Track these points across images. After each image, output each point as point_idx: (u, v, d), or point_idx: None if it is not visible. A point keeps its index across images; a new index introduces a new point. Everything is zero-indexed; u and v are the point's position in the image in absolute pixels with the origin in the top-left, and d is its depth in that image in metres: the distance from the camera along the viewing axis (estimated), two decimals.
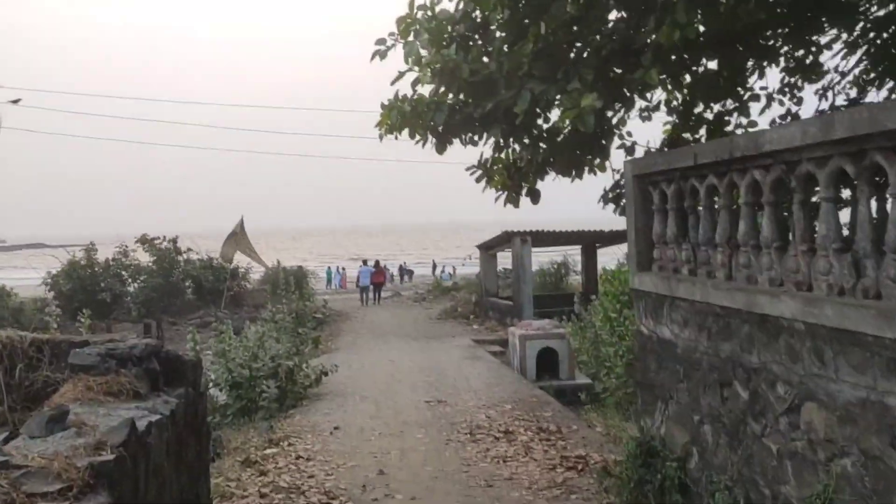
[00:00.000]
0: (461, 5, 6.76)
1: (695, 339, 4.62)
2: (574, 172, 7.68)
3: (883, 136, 2.99)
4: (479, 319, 22.41)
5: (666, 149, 7.61)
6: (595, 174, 7.93)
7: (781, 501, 3.76)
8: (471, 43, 6.85)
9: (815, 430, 3.47)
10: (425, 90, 7.03)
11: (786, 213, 4.27)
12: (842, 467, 3.29)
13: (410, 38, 6.85)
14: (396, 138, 7.43)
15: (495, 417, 9.23)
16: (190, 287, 27.40)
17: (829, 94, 7.85)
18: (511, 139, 7.42)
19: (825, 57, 7.91)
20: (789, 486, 3.68)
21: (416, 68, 6.82)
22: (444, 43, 6.65)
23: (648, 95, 7.27)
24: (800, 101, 8.31)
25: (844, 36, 7.67)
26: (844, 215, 3.94)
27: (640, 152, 7.70)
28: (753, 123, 8.05)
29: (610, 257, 22.69)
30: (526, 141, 7.42)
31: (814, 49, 7.90)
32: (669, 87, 7.66)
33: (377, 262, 32.47)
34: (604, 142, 7.40)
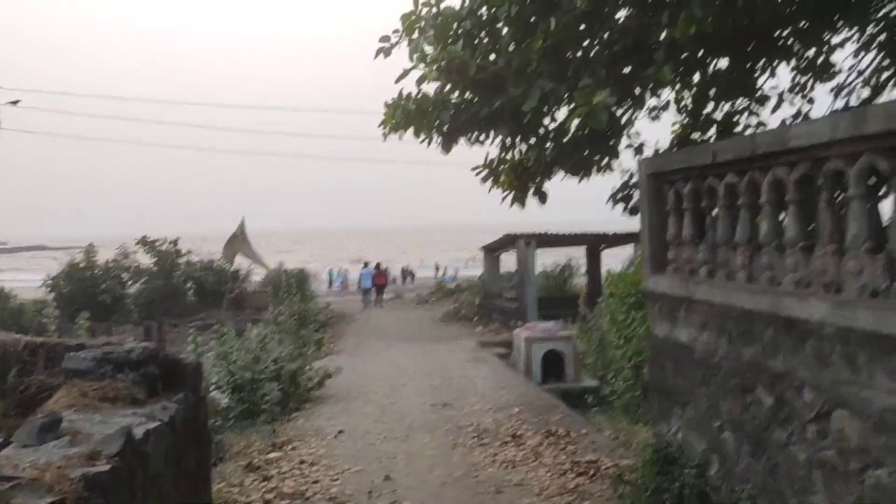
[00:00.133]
0: (467, 2, 6.61)
1: (714, 342, 4.46)
2: (582, 173, 7.54)
3: None
4: (483, 322, 22.25)
5: (676, 149, 7.46)
6: (603, 174, 7.79)
7: None
8: (475, 41, 6.71)
9: (847, 439, 3.31)
10: (430, 88, 6.89)
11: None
12: (876, 478, 3.13)
13: (415, 35, 6.71)
14: (401, 138, 7.28)
15: (502, 421, 9.07)
16: (191, 289, 27.24)
17: (844, 92, 7.67)
18: (518, 138, 7.27)
19: (838, 56, 7.76)
20: (818, 497, 3.51)
21: (422, 66, 6.67)
22: (450, 40, 6.50)
23: (659, 94, 7.10)
24: (811, 101, 8.15)
25: (856, 35, 7.52)
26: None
27: (648, 153, 7.55)
28: (763, 124, 7.91)
29: (613, 259, 22.54)
30: (532, 140, 7.27)
31: (826, 49, 7.75)
32: (678, 86, 7.52)
33: (378, 264, 32.34)
34: (612, 141, 7.26)
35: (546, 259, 25.08)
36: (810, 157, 3.54)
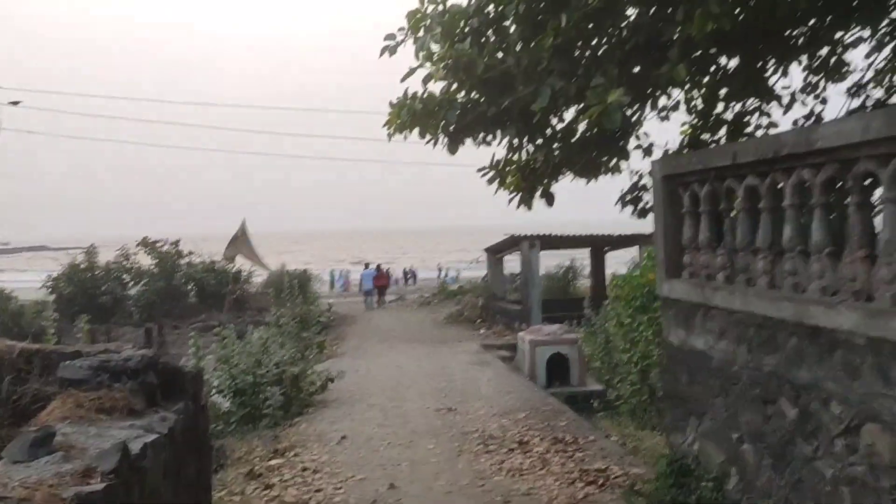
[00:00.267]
0: (473, 0, 6.46)
1: (733, 351, 4.30)
2: (590, 174, 7.39)
3: None
4: (487, 324, 22.08)
5: (686, 150, 7.31)
6: (612, 176, 7.65)
7: None
8: (482, 39, 6.56)
9: (879, 455, 3.15)
10: (436, 88, 6.74)
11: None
12: None
13: (421, 33, 6.56)
14: (406, 138, 7.13)
15: (508, 427, 8.91)
16: (192, 291, 27.11)
17: (858, 91, 7.50)
18: (525, 139, 7.12)
19: (850, 56, 7.60)
20: None
21: (428, 64, 6.52)
22: (457, 38, 6.35)
23: (670, 93, 6.95)
24: (824, 101, 8.00)
25: (868, 34, 7.36)
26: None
27: (656, 154, 7.41)
28: (774, 124, 7.75)
29: (614, 260, 22.38)
30: (539, 141, 7.12)
31: (839, 49, 7.59)
32: (688, 85, 7.37)
33: (378, 266, 32.20)
34: (622, 142, 7.11)
35: (548, 261, 24.93)
36: (838, 159, 3.38)
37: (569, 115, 6.89)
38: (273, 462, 7.49)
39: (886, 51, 7.49)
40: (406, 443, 8.25)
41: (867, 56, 7.65)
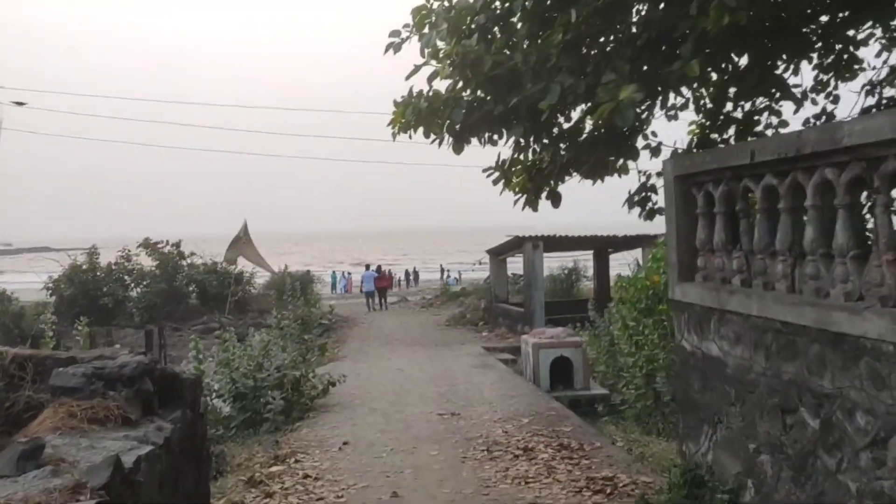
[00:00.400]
0: None
1: (749, 357, 4.15)
2: (597, 175, 7.24)
3: None
4: (489, 326, 21.94)
5: (695, 150, 7.17)
6: (620, 176, 7.50)
7: None
8: (489, 36, 6.42)
9: None
10: (442, 86, 6.61)
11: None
12: None
13: (426, 30, 6.43)
14: (410, 137, 6.99)
15: (513, 432, 8.75)
16: (194, 292, 26.99)
17: (875, 90, 7.34)
18: (532, 138, 6.98)
19: (863, 53, 7.44)
20: None
21: (433, 62, 6.38)
22: (464, 34, 6.21)
23: (682, 91, 6.80)
24: (836, 100, 7.85)
25: (880, 32, 7.21)
26: None
27: (665, 154, 7.26)
28: (785, 123, 7.60)
29: (616, 262, 22.22)
30: (546, 141, 6.98)
31: (851, 46, 7.44)
32: (696, 84, 7.22)
33: (379, 267, 32.08)
34: (630, 141, 6.96)
35: (550, 263, 24.78)
36: (865, 157, 3.23)
37: (576, 114, 6.76)
38: (274, 469, 7.34)
39: None
40: (409, 449, 8.10)
41: (877, 55, 7.51)
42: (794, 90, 7.47)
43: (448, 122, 6.53)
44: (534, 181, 7.47)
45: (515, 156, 7.35)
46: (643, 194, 7.63)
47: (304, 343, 15.00)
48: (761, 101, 7.51)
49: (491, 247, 24.60)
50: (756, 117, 7.49)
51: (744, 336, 4.19)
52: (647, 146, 7.33)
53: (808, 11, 6.43)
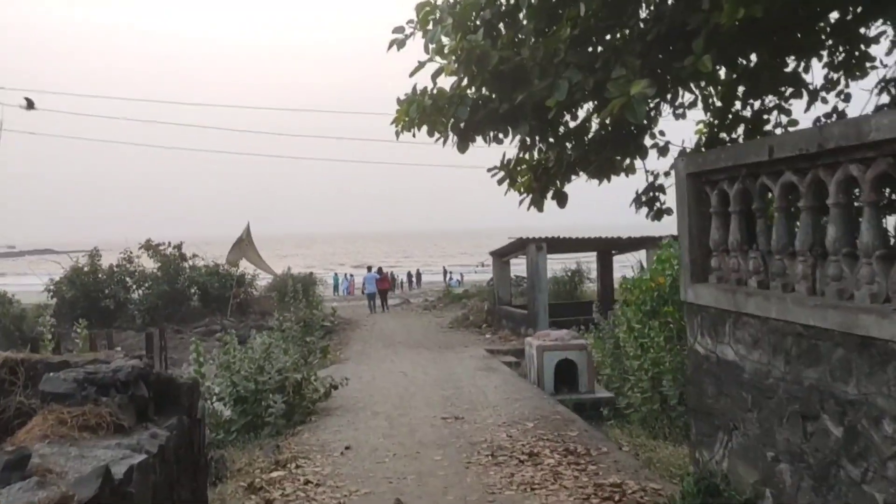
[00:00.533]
0: None
1: (767, 362, 3.99)
2: (604, 175, 7.10)
3: None
4: (492, 328, 21.78)
5: (704, 149, 7.03)
6: (627, 176, 7.36)
7: None
8: (494, 33, 6.28)
9: None
10: (446, 84, 6.46)
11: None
12: None
13: (430, 26, 6.29)
14: (414, 135, 6.85)
15: (517, 437, 8.59)
16: (195, 294, 26.87)
17: (891, 87, 7.18)
18: (538, 137, 6.84)
19: (874, 51, 7.29)
20: None
21: (438, 58, 6.24)
22: (470, 29, 6.08)
23: (693, 88, 6.65)
24: (848, 98, 7.69)
25: (891, 31, 7.06)
26: None
27: (673, 153, 7.12)
28: (795, 122, 7.46)
29: (622, 265, 22.05)
30: (552, 140, 6.83)
31: (862, 44, 7.28)
32: (703, 82, 7.08)
33: (380, 269, 31.96)
34: (638, 140, 6.81)
35: (553, 265, 24.61)
36: (893, 153, 3.08)
37: (583, 112, 6.62)
38: (274, 474, 7.19)
39: None
40: (412, 454, 7.95)
41: (888, 53, 7.36)
42: (804, 88, 7.34)
43: (452, 120, 6.39)
44: (539, 181, 7.33)
45: (521, 155, 7.21)
46: (651, 194, 7.49)
47: (306, 345, 14.85)
48: (771, 100, 7.37)
49: (494, 248, 24.46)
50: (765, 116, 7.35)
51: (762, 339, 4.04)
52: (654, 145, 7.19)
53: (818, 9, 6.28)
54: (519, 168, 7.39)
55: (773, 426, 3.95)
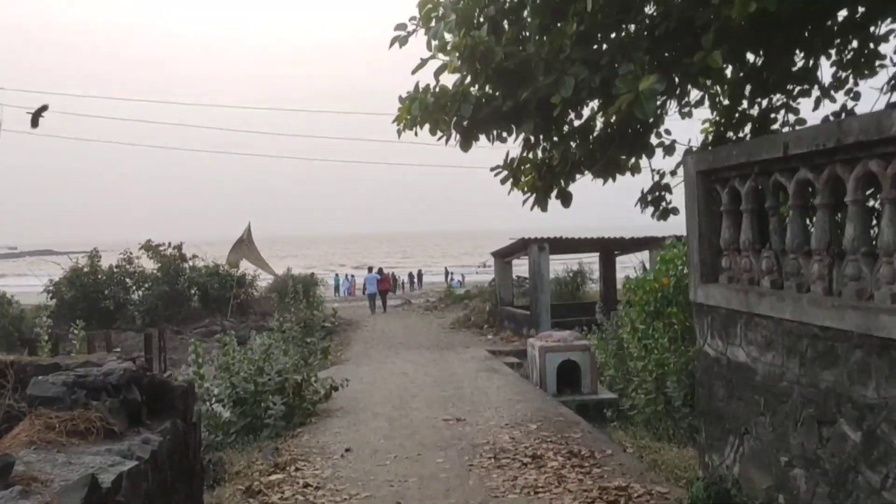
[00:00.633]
0: None
1: (781, 364, 3.87)
2: (609, 174, 6.98)
3: None
4: (494, 329, 21.66)
5: (711, 148, 6.91)
6: (633, 175, 7.24)
7: None
8: (498, 29, 6.17)
9: None
10: (449, 81, 6.35)
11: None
12: None
13: (433, 23, 6.17)
14: (416, 134, 6.74)
15: (520, 439, 8.47)
16: (195, 295, 26.76)
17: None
18: (542, 136, 6.72)
19: (883, 49, 7.16)
20: None
21: (441, 55, 6.13)
22: (473, 26, 5.96)
23: (704, 84, 6.53)
24: (857, 97, 7.57)
25: None
26: None
27: (679, 152, 6.99)
28: (802, 121, 7.34)
29: (624, 265, 21.92)
30: (556, 138, 6.72)
31: (871, 43, 7.16)
32: (709, 80, 6.96)
33: (381, 269, 31.86)
34: (644, 138, 6.69)
35: (555, 266, 24.50)
36: None
37: (587, 110, 6.50)
38: (273, 477, 7.07)
39: None
40: (414, 456, 7.83)
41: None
42: (812, 86, 7.22)
43: (455, 117, 6.28)
44: (543, 180, 7.21)
45: (525, 154, 7.09)
46: (657, 193, 7.37)
47: (306, 346, 14.72)
48: (778, 98, 7.26)
49: (495, 249, 24.34)
50: (773, 115, 7.24)
51: (775, 341, 3.91)
52: (660, 144, 7.08)
53: (828, 6, 6.16)
54: (523, 167, 7.27)
55: (787, 430, 3.83)
